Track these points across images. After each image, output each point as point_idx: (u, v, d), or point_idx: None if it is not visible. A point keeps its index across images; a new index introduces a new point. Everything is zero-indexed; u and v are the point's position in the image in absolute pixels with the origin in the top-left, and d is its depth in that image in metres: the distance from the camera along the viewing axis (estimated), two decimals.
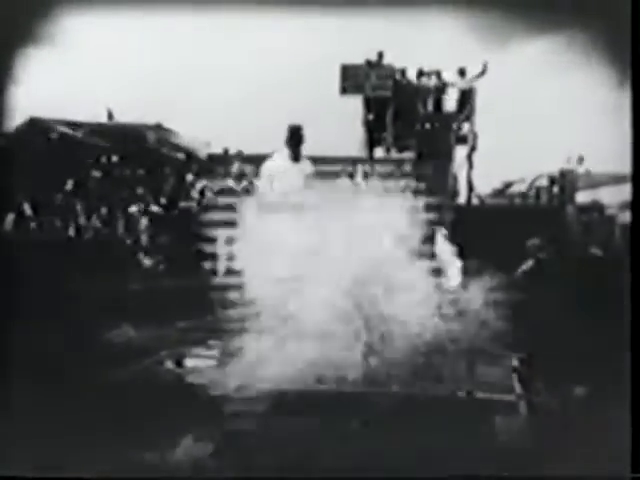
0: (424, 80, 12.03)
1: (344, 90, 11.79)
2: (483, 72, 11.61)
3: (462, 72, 11.89)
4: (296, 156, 6.10)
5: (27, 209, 8.86)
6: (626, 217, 3.75)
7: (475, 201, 12.14)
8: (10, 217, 7.88)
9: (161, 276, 8.06)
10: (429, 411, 3.07)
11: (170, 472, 2.65)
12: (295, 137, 6.04)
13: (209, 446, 2.97)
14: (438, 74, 11.96)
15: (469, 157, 11.74)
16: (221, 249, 6.75)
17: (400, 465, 2.58)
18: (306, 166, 6.19)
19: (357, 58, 12.13)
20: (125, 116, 12.42)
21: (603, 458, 2.55)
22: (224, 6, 4.25)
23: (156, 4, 4.08)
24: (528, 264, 7.21)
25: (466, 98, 11.81)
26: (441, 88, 11.98)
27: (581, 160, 10.79)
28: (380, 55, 12.02)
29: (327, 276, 4.30)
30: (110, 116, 12.40)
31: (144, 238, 9.41)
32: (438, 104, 11.98)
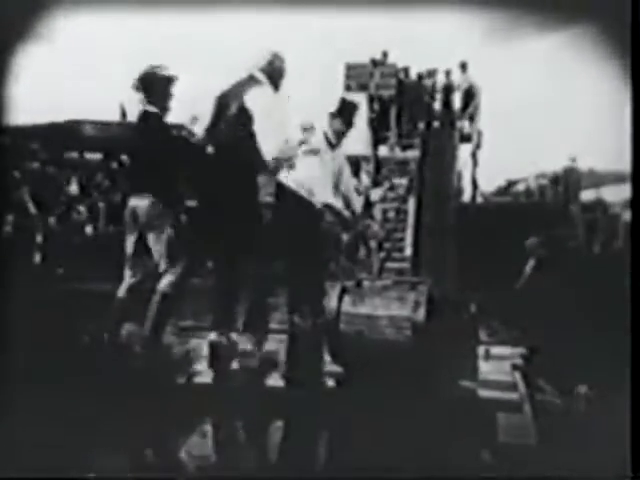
0: (429, 79, 12.03)
1: (348, 88, 11.79)
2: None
3: (464, 66, 11.88)
4: (338, 139, 4.45)
5: (31, 207, 8.90)
6: (629, 216, 3.75)
7: (480, 199, 12.16)
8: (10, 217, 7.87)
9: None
10: (430, 410, 3.07)
11: (172, 472, 2.65)
12: (347, 114, 4.40)
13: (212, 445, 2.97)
14: (447, 73, 11.97)
15: (473, 155, 11.73)
16: None
17: (400, 465, 2.58)
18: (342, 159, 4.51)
19: (362, 57, 12.14)
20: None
21: (603, 458, 2.55)
22: (226, 5, 4.24)
23: (156, 2, 4.08)
24: (530, 263, 7.21)
25: (468, 96, 11.80)
26: (448, 87, 11.97)
27: (582, 159, 10.81)
28: (385, 54, 12.02)
29: None
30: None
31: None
32: (446, 102, 11.98)
